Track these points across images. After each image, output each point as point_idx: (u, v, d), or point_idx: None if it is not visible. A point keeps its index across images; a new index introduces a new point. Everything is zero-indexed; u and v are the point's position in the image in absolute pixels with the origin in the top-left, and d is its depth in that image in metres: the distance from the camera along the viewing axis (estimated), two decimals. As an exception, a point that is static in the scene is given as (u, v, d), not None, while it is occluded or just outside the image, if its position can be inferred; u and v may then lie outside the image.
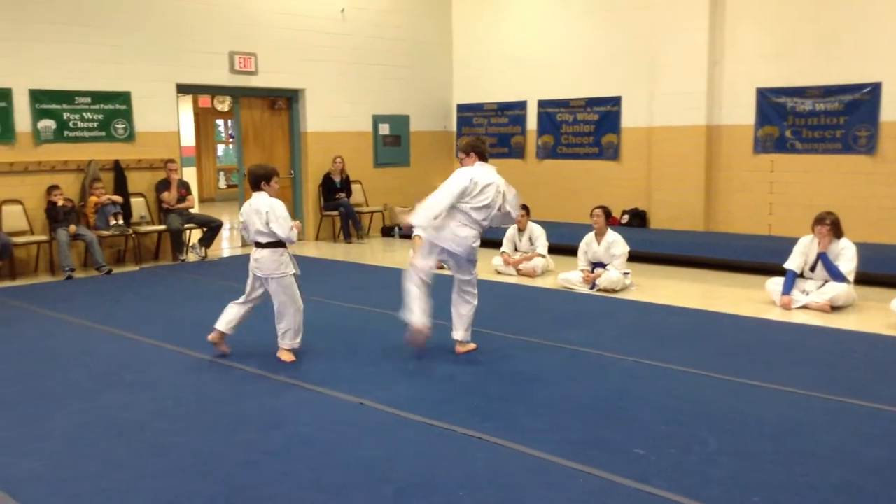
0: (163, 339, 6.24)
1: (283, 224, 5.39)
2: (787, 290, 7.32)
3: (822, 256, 7.32)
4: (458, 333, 5.81)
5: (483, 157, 5.71)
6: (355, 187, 12.66)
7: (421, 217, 5.58)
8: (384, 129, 13.31)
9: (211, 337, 5.65)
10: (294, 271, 5.56)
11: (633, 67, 11.75)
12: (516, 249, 9.42)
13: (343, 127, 12.70)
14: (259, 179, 5.49)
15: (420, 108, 13.78)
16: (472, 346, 5.84)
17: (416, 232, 9.87)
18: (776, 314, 7.12)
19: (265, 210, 5.39)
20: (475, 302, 5.85)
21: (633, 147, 11.94)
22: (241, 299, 5.65)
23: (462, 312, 5.81)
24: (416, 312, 5.58)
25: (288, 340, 5.61)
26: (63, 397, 4.92)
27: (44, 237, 9.41)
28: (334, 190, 12.24)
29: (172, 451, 4.04)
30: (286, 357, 5.61)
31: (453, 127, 14.26)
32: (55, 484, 3.67)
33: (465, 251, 5.67)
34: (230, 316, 5.62)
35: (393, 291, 8.21)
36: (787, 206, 10.52)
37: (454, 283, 5.82)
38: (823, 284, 7.31)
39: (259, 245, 5.48)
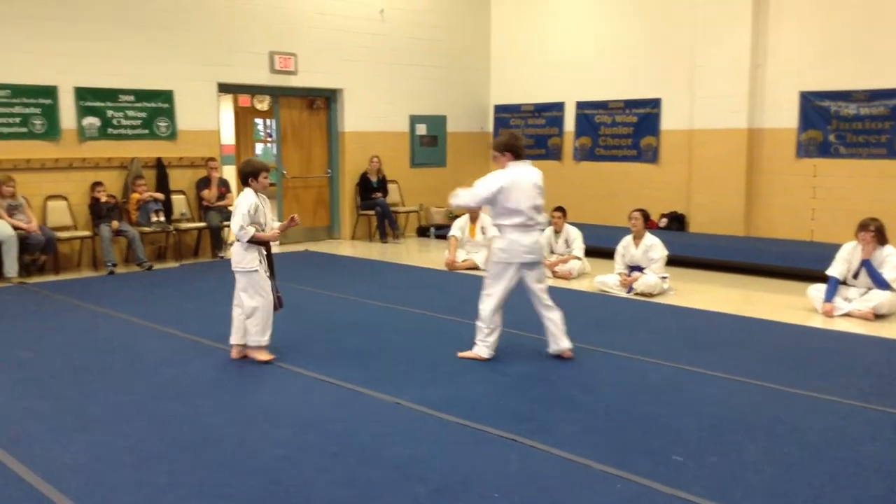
0: (202, 334, 6.31)
1: (235, 220, 5.43)
2: (830, 297, 7.20)
3: (866, 263, 7.18)
4: (564, 342, 5.61)
5: (518, 156, 5.57)
6: (392, 187, 12.70)
7: (462, 198, 5.61)
8: (421, 129, 13.34)
9: (233, 355, 5.64)
10: (254, 268, 5.47)
11: (674, 69, 11.64)
12: (552, 252, 9.37)
13: (380, 127, 12.75)
14: (246, 176, 5.54)
15: (457, 109, 13.79)
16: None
17: (451, 233, 9.93)
18: (818, 321, 7.00)
19: (236, 204, 5.51)
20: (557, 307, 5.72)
21: (673, 150, 11.82)
22: (235, 302, 5.60)
23: (556, 319, 5.62)
24: (489, 348, 5.60)
25: (253, 337, 5.53)
26: (105, 390, 5.00)
27: (87, 233, 9.58)
28: (371, 189, 12.30)
29: (211, 445, 4.09)
30: (258, 356, 5.54)
31: (490, 128, 14.25)
32: (96, 475, 3.73)
33: (539, 255, 5.62)
34: (238, 324, 5.60)
35: (428, 291, 8.25)
36: (830, 211, 10.34)
37: (532, 296, 5.62)
38: (867, 292, 7.17)
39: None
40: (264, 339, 5.55)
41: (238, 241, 5.49)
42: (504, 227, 5.52)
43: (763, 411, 4.60)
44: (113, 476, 3.72)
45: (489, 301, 5.57)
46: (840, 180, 10.27)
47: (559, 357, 5.63)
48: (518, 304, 5.79)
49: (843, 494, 3.52)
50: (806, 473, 3.73)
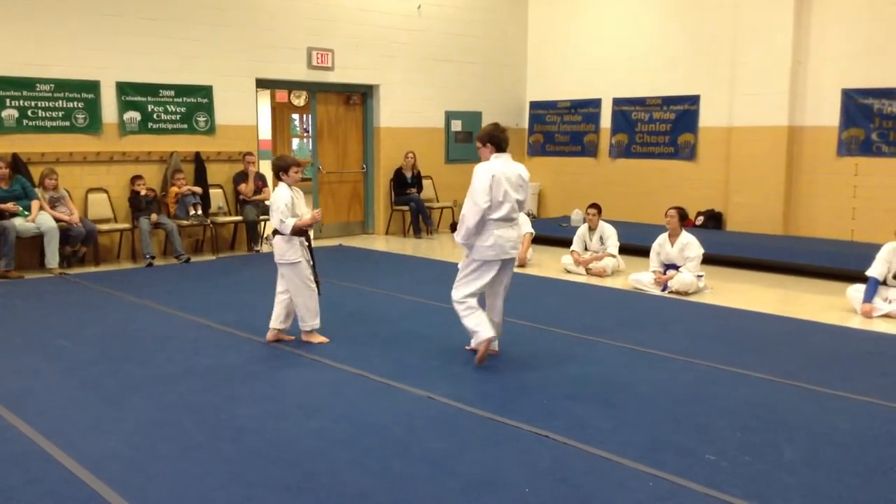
0: (237, 326, 6.40)
1: (274, 215, 5.64)
2: (869, 297, 7.07)
3: (908, 264, 7.05)
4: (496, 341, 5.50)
5: (500, 148, 5.32)
6: (426, 183, 12.73)
7: (462, 234, 5.30)
8: (456, 125, 13.34)
9: (268, 337, 5.91)
10: (297, 259, 5.66)
11: (714, 66, 11.51)
12: (586, 249, 9.32)
13: (416, 123, 12.78)
14: (278, 171, 5.75)
15: (493, 105, 13.75)
16: None
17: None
18: (857, 322, 6.89)
19: (273, 200, 5.71)
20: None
21: (711, 147, 11.69)
22: (278, 290, 5.86)
23: (499, 320, 5.56)
24: (486, 326, 5.32)
25: (304, 323, 5.81)
26: (142, 380, 5.08)
27: (126, 225, 9.75)
28: (405, 185, 12.34)
29: (246, 436, 4.14)
30: (313, 339, 5.84)
31: (525, 124, 14.21)
32: (134, 463, 3.80)
33: (517, 251, 5.48)
34: (276, 312, 5.87)
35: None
36: (871, 211, 10.15)
37: (493, 290, 5.50)
38: (908, 293, 7.05)
39: (274, 231, 5.74)
40: (314, 324, 5.83)
41: (280, 233, 5.66)
42: (489, 222, 5.26)
43: (799, 412, 4.54)
44: (151, 464, 3.79)
45: (463, 291, 5.40)
46: (882, 179, 10.08)
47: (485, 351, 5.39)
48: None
49: (882, 498, 3.47)
50: (844, 475, 3.68)
